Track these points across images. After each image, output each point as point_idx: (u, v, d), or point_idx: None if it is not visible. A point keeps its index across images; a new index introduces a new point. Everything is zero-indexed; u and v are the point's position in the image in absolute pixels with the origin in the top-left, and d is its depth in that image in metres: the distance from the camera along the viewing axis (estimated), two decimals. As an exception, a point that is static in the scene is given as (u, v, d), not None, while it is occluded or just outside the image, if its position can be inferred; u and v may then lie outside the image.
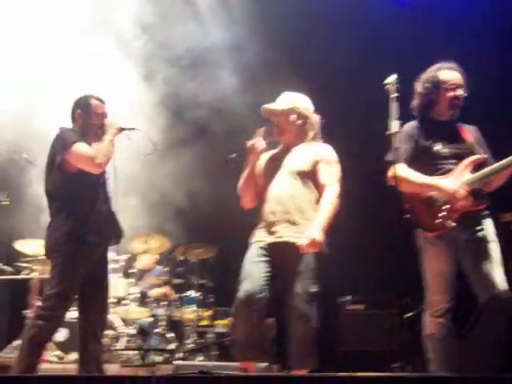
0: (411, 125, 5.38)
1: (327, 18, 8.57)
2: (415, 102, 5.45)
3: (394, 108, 5.06)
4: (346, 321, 8.06)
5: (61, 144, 5.53)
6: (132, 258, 9.02)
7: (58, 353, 7.91)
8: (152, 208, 8.83)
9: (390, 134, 5.07)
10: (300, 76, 7.40)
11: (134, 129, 5.81)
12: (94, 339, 5.56)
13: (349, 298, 8.12)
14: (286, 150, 5.59)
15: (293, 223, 5.32)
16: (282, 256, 5.26)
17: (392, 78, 5.14)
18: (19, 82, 7.77)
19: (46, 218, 7.53)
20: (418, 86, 5.43)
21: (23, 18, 8.03)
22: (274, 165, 5.55)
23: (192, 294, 8.66)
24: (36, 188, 8.12)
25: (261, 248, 5.33)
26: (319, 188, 5.43)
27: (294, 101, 5.59)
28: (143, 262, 9.10)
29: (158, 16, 8.49)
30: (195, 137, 8.98)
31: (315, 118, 5.60)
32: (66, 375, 5.42)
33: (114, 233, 5.74)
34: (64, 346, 7.97)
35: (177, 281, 8.75)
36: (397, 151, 5.11)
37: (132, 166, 7.83)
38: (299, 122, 5.55)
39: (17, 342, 7.62)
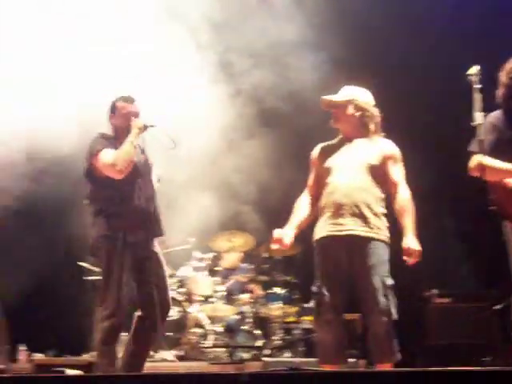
0: (495, 115, 5.27)
1: (403, 11, 8.50)
2: (500, 92, 5.35)
3: (477, 99, 4.98)
4: (433, 314, 7.98)
5: (89, 151, 5.67)
6: (217, 257, 9.09)
7: (148, 351, 8.04)
8: (232, 204, 8.90)
9: (474, 126, 4.99)
10: (374, 73, 7.37)
11: (153, 126, 5.75)
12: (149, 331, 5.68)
13: (435, 291, 8.03)
14: (347, 142, 5.56)
15: (362, 217, 5.27)
16: (352, 250, 5.24)
17: (475, 69, 5.06)
18: (88, 84, 7.90)
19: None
20: (503, 76, 5.32)
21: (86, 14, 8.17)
22: (336, 156, 5.52)
23: (277, 290, 8.69)
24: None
25: (330, 246, 5.33)
26: (387, 184, 5.42)
27: (353, 93, 5.56)
28: (228, 260, 9.16)
29: (232, 12, 8.54)
30: (269, 130, 9.00)
31: (374, 111, 5.55)
32: (153, 373, 5.48)
33: (153, 231, 5.75)
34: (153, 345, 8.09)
35: (262, 278, 8.78)
36: (481, 142, 5.03)
37: (203, 161, 7.94)
38: (357, 114, 5.50)
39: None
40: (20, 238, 8.90)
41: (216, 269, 8.95)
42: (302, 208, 5.58)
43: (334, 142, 5.65)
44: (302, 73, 8.56)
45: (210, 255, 8.93)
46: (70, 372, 5.38)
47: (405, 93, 8.30)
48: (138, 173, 5.71)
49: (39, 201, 8.52)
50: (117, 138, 5.75)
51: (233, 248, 8.93)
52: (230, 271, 9.11)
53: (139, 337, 5.71)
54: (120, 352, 5.67)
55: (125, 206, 5.61)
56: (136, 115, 5.76)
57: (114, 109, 5.82)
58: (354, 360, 7.13)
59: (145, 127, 5.70)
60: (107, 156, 5.58)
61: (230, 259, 9.16)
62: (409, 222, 5.24)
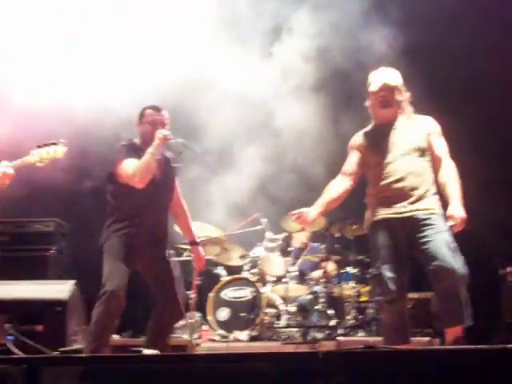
0: None
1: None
2: None
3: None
4: (509, 292, 7.87)
5: (116, 157, 5.85)
6: (289, 237, 9.09)
7: (222, 332, 8.11)
8: (302, 184, 8.88)
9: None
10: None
11: (173, 139, 5.81)
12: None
13: (510, 269, 7.91)
14: (388, 126, 5.59)
15: (418, 199, 5.36)
16: (411, 230, 5.31)
17: None
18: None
19: (203, 200, 7.67)
20: None
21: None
22: (383, 141, 5.54)
23: (350, 270, 8.66)
24: (193, 172, 8.32)
25: (389, 228, 5.39)
26: (434, 160, 5.49)
27: (399, 77, 5.63)
28: (298, 239, 9.13)
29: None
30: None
31: (408, 94, 5.65)
32: (229, 353, 5.51)
33: (162, 242, 5.89)
34: (227, 325, 8.16)
35: (334, 257, 8.75)
36: None
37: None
38: (401, 98, 5.58)
39: (182, 323, 7.85)
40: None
41: (288, 249, 8.95)
42: (333, 190, 5.67)
43: (371, 127, 5.73)
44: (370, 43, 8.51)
45: (282, 235, 8.95)
46: (147, 351, 5.48)
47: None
48: (154, 183, 5.80)
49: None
50: (142, 145, 5.86)
51: (304, 228, 8.89)
52: (302, 251, 9.10)
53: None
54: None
55: (135, 216, 5.78)
56: (162, 124, 5.87)
57: (141, 116, 5.96)
58: (429, 339, 7.09)
59: (166, 138, 5.75)
60: (128, 166, 5.73)
61: (300, 239, 9.14)
62: (454, 191, 5.30)
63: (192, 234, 6.24)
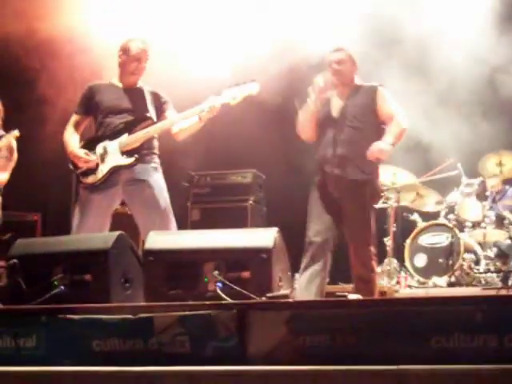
0: None
1: None
2: None
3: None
4: None
5: None
6: (485, 181, 8.89)
7: (420, 278, 8.12)
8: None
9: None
10: None
11: None
12: None
13: None
14: None
15: None
16: None
17: None
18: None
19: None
20: None
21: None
22: None
23: (550, 213, 8.41)
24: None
25: None
26: None
27: None
28: (495, 183, 8.91)
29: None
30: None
31: None
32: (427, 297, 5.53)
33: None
34: (424, 271, 8.16)
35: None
36: None
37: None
38: None
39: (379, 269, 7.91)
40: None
41: (485, 194, 8.77)
42: None
43: None
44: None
45: (478, 180, 8.77)
46: (351, 296, 5.59)
47: None
48: None
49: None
50: None
51: (501, 170, 8.68)
52: (500, 195, 8.90)
53: None
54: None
55: None
56: None
57: None
58: None
59: None
60: None
61: (495, 182, 8.91)
62: None
63: None
